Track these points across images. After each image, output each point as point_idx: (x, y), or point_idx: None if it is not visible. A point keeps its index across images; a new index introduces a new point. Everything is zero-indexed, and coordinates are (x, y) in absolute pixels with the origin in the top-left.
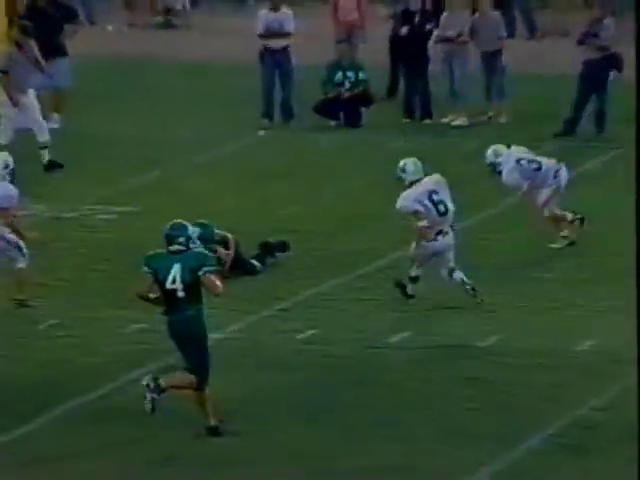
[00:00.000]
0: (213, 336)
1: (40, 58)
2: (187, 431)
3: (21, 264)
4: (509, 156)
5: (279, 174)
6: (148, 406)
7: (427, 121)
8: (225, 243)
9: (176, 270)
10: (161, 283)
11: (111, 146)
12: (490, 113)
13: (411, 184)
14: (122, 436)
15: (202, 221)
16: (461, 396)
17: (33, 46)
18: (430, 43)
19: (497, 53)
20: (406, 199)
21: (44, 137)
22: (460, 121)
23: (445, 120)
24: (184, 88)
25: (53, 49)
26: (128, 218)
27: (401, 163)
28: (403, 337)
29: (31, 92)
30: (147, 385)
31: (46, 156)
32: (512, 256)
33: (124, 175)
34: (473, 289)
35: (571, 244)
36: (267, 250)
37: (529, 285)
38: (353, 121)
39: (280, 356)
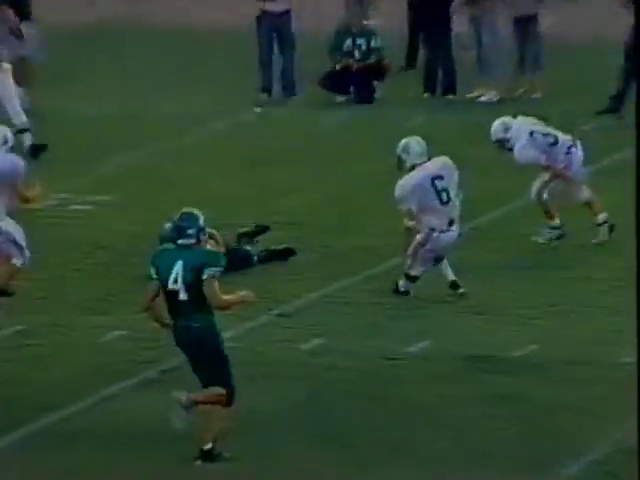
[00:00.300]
0: None
1: (20, 26)
2: (170, 455)
3: (18, 261)
4: (520, 129)
5: (278, 158)
6: (180, 425)
7: (450, 96)
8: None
9: (178, 268)
10: (163, 283)
11: (86, 126)
12: (523, 87)
13: (413, 167)
14: (92, 462)
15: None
16: (489, 415)
17: (9, 15)
18: (454, 5)
19: (532, 18)
20: (405, 188)
21: (20, 119)
22: (488, 96)
23: (471, 95)
24: (169, 59)
25: (17, 13)
26: (106, 209)
27: (403, 142)
28: (422, 347)
29: (6, 67)
30: (180, 401)
31: (27, 140)
32: (542, 253)
33: (101, 160)
34: (462, 294)
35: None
36: (249, 237)
37: (562, 287)
38: (365, 96)
39: (280, 369)
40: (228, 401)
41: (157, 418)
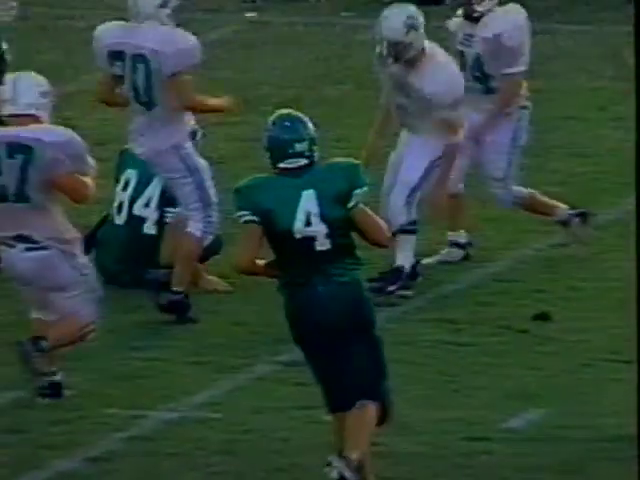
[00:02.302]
0: (161, 415)
1: None
2: None
3: (192, 228)
4: None
5: (280, 98)
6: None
7: None
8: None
9: (308, 203)
10: (282, 233)
11: None
12: None
13: (414, 59)
14: None
15: None
16: None
17: None
18: None
19: None
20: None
21: None
22: None
23: None
24: None
25: None
26: None
27: (402, 16)
28: (530, 420)
29: None
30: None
31: None
32: None
33: None
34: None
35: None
36: None
37: None
38: None
39: (291, 456)
40: (381, 419)
41: None
